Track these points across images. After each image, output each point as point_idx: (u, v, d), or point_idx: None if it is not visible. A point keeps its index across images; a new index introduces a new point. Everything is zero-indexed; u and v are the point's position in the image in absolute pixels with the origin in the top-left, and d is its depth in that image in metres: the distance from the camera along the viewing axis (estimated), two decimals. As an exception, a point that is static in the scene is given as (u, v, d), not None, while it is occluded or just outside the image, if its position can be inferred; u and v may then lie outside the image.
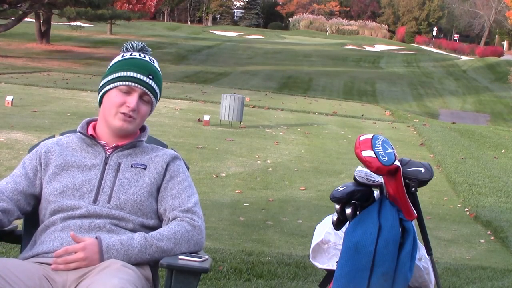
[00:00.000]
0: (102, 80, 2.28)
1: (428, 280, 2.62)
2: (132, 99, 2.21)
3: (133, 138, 2.29)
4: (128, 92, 2.21)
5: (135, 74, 2.22)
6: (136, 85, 2.21)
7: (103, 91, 2.26)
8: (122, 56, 2.29)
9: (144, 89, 2.23)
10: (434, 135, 12.62)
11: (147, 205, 2.19)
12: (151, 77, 2.24)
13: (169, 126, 10.88)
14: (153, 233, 2.11)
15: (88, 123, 2.33)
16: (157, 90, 2.28)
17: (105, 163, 2.22)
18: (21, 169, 2.23)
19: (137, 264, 2.07)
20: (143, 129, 2.36)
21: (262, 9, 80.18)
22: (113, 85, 2.23)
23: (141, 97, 2.23)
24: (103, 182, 2.18)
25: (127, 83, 2.21)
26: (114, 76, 2.23)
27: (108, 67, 2.29)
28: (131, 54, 2.29)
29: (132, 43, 2.32)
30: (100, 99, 2.28)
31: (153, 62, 2.30)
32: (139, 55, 2.29)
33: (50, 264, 2.05)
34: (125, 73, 2.22)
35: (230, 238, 5.11)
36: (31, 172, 2.22)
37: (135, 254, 2.05)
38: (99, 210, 2.13)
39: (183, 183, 2.25)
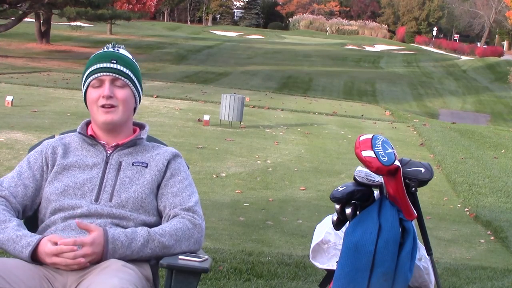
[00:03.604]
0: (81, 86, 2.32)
1: (428, 280, 2.62)
2: (104, 88, 2.22)
3: (132, 136, 2.30)
4: (100, 85, 2.23)
5: (98, 65, 2.24)
6: (101, 74, 2.23)
7: (83, 95, 2.30)
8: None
9: (111, 74, 2.23)
10: (434, 135, 12.62)
11: (149, 202, 2.19)
12: (115, 61, 2.25)
13: (169, 126, 10.88)
14: (156, 228, 2.12)
15: (87, 124, 2.33)
16: (127, 72, 2.26)
17: (106, 162, 2.23)
18: (28, 170, 2.22)
19: (137, 261, 2.08)
20: (142, 127, 2.37)
21: (262, 9, 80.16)
22: (85, 85, 2.26)
23: (113, 83, 2.24)
24: (104, 181, 2.19)
25: (94, 76, 2.24)
26: (84, 77, 2.28)
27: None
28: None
29: (107, 45, 2.35)
30: (85, 104, 2.31)
31: (118, 50, 2.31)
32: (102, 49, 2.32)
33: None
34: (90, 69, 2.25)
35: (230, 238, 5.11)
36: (38, 173, 2.22)
37: (138, 247, 2.06)
38: (100, 209, 2.13)
39: (183, 182, 2.26)
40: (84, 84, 2.27)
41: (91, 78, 2.24)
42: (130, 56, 2.33)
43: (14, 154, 7.42)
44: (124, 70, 2.25)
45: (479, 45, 66.62)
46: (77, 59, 26.51)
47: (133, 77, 2.28)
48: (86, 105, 2.29)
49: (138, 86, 2.31)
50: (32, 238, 2.03)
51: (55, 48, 30.17)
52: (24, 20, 28.04)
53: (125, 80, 2.25)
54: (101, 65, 2.23)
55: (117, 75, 2.24)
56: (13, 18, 26.52)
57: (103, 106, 2.21)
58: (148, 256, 2.09)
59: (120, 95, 2.23)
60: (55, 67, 22.69)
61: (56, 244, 1.99)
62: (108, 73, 2.23)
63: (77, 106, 12.19)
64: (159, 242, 2.08)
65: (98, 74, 2.23)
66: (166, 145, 2.44)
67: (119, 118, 2.24)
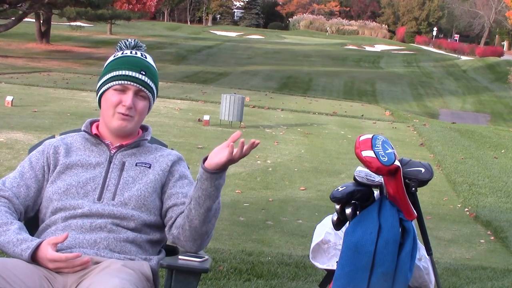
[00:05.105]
0: (98, 82, 2.30)
1: (428, 280, 2.62)
2: (127, 97, 2.21)
3: (136, 138, 2.30)
4: (123, 90, 2.22)
5: (127, 72, 2.22)
6: (129, 82, 2.22)
7: (99, 93, 2.28)
8: (115, 56, 2.30)
9: (138, 85, 2.23)
10: (434, 135, 12.62)
11: (151, 200, 2.19)
12: (144, 73, 2.25)
13: (169, 126, 10.88)
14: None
15: (91, 123, 2.33)
16: (152, 85, 2.27)
17: (110, 162, 2.23)
18: (30, 171, 2.21)
19: (137, 261, 2.08)
20: (145, 129, 2.37)
21: (262, 9, 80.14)
22: (107, 85, 2.24)
23: (136, 93, 2.23)
24: (107, 180, 2.19)
25: (120, 82, 2.22)
26: (108, 77, 2.25)
27: (103, 68, 2.31)
28: (122, 53, 2.29)
29: (125, 41, 2.33)
30: (98, 101, 2.29)
31: (145, 58, 2.30)
32: (131, 53, 2.29)
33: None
34: (117, 72, 2.23)
35: (230, 238, 5.12)
36: (40, 173, 2.21)
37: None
38: (102, 209, 2.13)
39: (191, 186, 2.26)
40: (105, 84, 2.24)
41: (117, 82, 2.22)
42: (154, 65, 2.33)
43: (14, 154, 7.42)
44: (150, 83, 2.26)
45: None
46: (77, 59, 26.52)
47: (155, 91, 2.30)
48: (99, 104, 2.28)
49: (156, 97, 2.33)
50: (32, 242, 2.03)
51: (55, 48, 30.17)
52: (24, 20, 28.03)
53: (149, 93, 2.26)
54: (130, 73, 2.22)
55: (143, 88, 2.24)
56: (13, 18, 26.51)
57: (121, 113, 2.21)
58: (212, 203, 2.17)
59: (139, 106, 2.24)
60: (55, 67, 22.69)
61: (56, 245, 1.99)
62: (135, 84, 2.22)
63: (77, 106, 12.19)
64: (219, 202, 2.20)
65: (125, 82, 2.22)
66: (166, 146, 2.45)
67: (132, 127, 2.25)
